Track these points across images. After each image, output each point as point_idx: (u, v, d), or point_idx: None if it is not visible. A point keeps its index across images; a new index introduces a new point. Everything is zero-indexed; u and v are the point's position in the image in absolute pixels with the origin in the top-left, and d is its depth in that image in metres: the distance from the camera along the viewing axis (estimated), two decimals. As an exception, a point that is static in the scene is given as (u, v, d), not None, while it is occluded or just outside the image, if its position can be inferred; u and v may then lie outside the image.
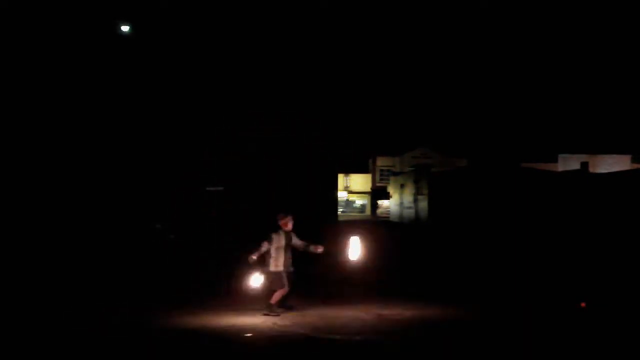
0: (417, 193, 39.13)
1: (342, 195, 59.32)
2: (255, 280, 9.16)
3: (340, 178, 56.12)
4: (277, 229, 9.31)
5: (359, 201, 62.37)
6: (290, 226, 9.36)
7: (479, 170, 38.13)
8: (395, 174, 53.44)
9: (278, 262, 9.16)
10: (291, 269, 9.26)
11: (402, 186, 44.24)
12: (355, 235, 9.53)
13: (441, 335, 7.92)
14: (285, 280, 9.10)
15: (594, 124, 59.83)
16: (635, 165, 47.36)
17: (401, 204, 44.32)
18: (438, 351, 7.17)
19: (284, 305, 9.17)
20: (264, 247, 9.18)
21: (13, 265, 13.70)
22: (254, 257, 9.13)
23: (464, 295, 10.92)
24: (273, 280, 9.12)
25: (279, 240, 9.24)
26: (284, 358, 7.03)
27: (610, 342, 7.46)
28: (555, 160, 51.88)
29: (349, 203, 62.70)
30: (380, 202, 59.87)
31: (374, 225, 32.30)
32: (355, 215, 56.99)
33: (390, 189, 50.82)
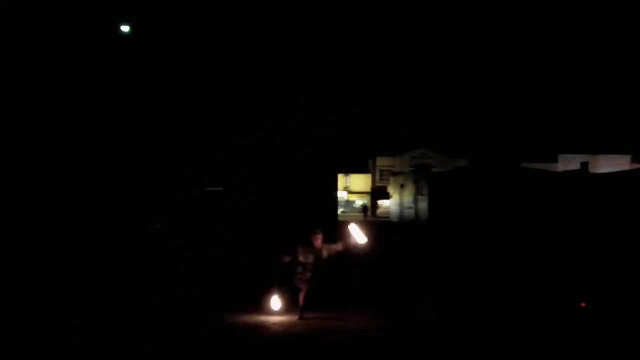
0: (417, 193, 39.14)
1: (342, 195, 59.30)
2: (275, 304, 9.03)
3: (340, 178, 56.11)
4: (308, 243, 8.97)
5: (359, 201, 62.34)
6: (319, 243, 8.94)
7: (479, 170, 38.15)
8: (395, 174, 53.44)
9: (303, 278, 8.90)
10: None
11: (402, 186, 44.25)
12: (352, 223, 9.28)
13: (441, 334, 7.92)
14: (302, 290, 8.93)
15: (594, 124, 59.88)
16: (635, 165, 47.36)
17: (401, 204, 44.34)
18: (438, 351, 7.18)
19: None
20: (287, 259, 8.95)
21: (13, 265, 13.70)
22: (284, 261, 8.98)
23: (464, 295, 10.92)
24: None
25: (306, 256, 8.90)
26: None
27: (610, 342, 7.46)
28: (555, 160, 51.92)
29: (349, 203, 62.67)
30: (380, 202, 59.84)
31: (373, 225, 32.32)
32: (355, 215, 56.95)
33: (390, 189, 50.83)
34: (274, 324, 8.53)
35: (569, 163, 48.03)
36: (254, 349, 7.31)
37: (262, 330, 8.17)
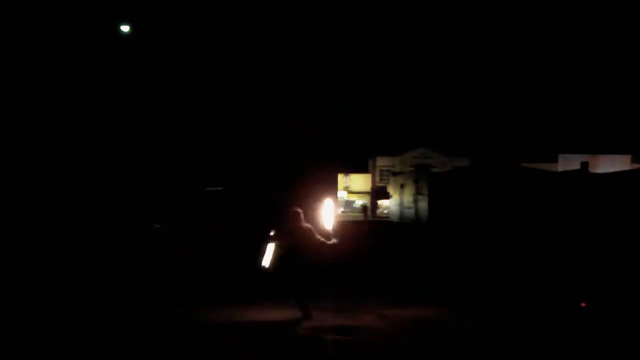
0: (417, 193, 39.13)
1: (342, 195, 59.30)
2: (266, 260, 8.89)
3: (340, 178, 56.11)
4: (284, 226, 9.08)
5: (358, 201, 62.33)
6: (293, 221, 9.02)
7: (479, 170, 38.14)
8: (395, 174, 53.45)
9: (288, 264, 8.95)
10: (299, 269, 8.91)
11: (402, 186, 44.24)
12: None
13: (440, 335, 7.92)
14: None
15: (594, 124, 59.91)
16: (635, 165, 47.34)
17: (401, 204, 44.34)
18: (437, 352, 7.18)
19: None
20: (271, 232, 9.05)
21: (13, 265, 13.69)
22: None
23: (464, 295, 10.92)
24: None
25: (283, 238, 8.98)
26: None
27: (610, 342, 7.46)
28: (555, 160, 51.89)
29: (348, 203, 62.66)
30: (380, 202, 59.82)
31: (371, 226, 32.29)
32: (355, 215, 56.91)
33: (390, 189, 50.83)
34: (274, 323, 8.53)
35: (569, 163, 47.97)
36: (254, 349, 7.31)
37: (260, 329, 8.17)
